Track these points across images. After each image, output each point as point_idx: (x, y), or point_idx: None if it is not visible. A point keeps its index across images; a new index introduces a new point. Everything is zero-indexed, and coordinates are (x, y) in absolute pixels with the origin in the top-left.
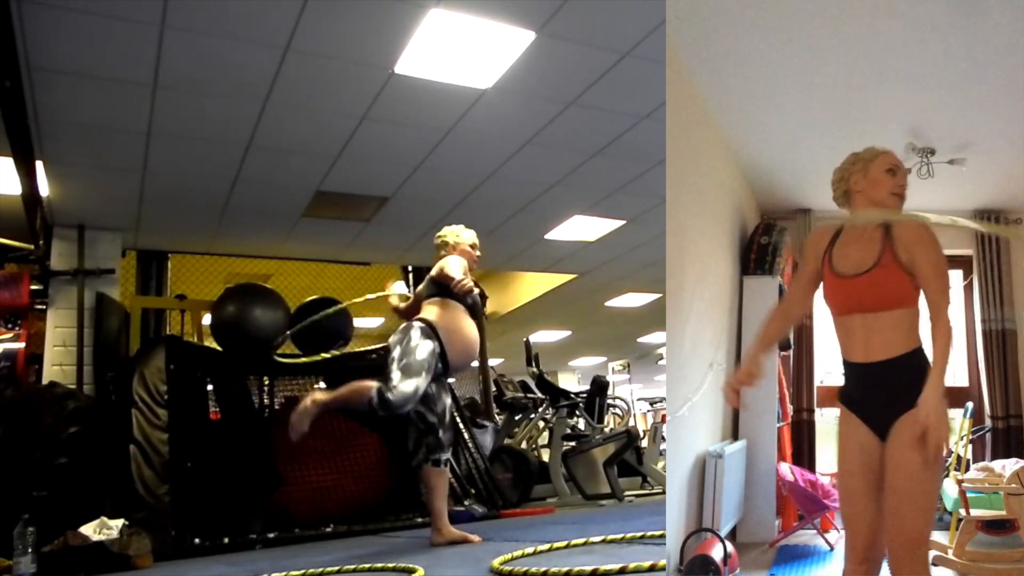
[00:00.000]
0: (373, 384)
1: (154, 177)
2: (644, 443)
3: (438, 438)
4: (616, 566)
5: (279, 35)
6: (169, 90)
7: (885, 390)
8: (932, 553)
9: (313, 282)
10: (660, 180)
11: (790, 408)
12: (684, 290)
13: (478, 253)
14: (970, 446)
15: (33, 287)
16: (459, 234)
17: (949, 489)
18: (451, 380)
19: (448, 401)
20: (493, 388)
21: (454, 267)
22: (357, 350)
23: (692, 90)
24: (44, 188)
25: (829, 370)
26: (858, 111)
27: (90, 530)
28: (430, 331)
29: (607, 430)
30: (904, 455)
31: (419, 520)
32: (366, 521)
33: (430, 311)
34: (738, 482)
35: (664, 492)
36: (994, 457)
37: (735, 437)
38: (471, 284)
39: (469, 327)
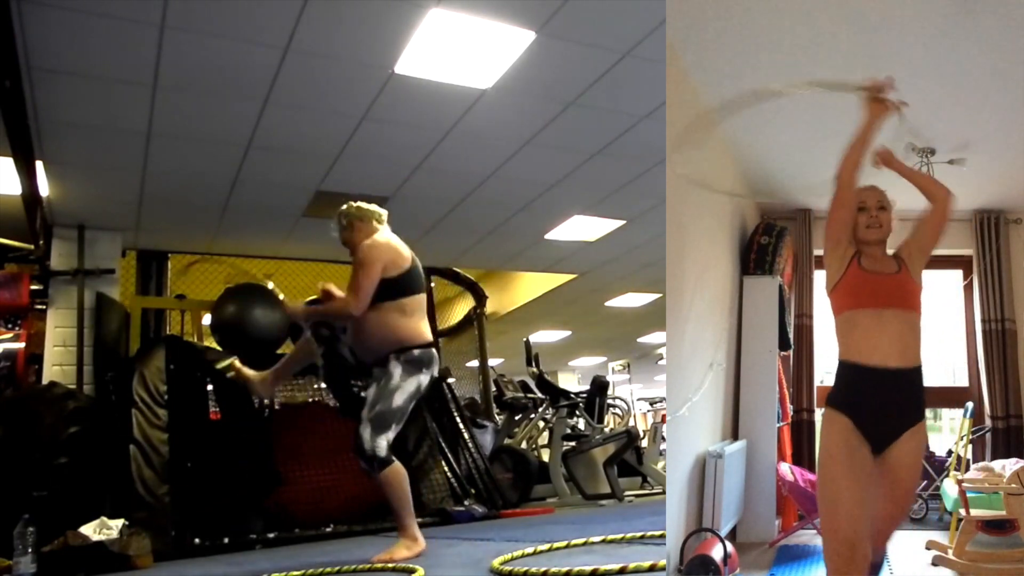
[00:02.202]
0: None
1: (154, 177)
2: (644, 443)
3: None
4: (616, 566)
5: (279, 35)
6: (169, 90)
7: (898, 402)
8: (932, 553)
9: (313, 282)
10: (660, 180)
11: (790, 408)
12: (684, 290)
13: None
14: (970, 446)
15: (33, 287)
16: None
17: (949, 489)
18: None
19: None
20: (493, 388)
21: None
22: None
23: (692, 90)
24: (44, 188)
25: (829, 370)
26: (858, 111)
27: (90, 530)
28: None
29: (607, 430)
30: (906, 471)
31: (419, 520)
32: (366, 521)
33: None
34: (738, 482)
35: (664, 492)
36: (994, 457)
37: (735, 437)
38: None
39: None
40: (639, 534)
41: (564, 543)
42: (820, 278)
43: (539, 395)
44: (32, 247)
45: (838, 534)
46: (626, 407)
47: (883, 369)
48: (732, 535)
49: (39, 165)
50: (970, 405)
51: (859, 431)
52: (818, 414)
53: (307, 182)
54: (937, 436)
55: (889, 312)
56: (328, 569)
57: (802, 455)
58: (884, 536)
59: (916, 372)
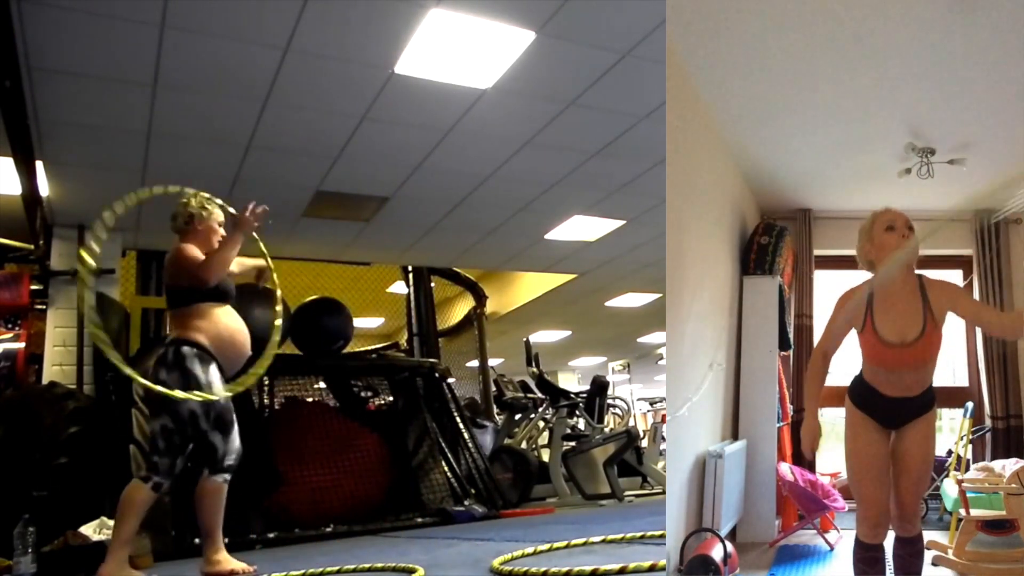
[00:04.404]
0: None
1: (154, 177)
2: (644, 443)
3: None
4: (616, 566)
5: (279, 35)
6: (169, 90)
7: (906, 409)
8: (932, 553)
9: (313, 282)
10: (660, 180)
11: (790, 408)
12: (684, 290)
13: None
14: (970, 446)
15: (33, 287)
16: (208, 203)
17: (949, 489)
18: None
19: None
20: (493, 388)
21: (193, 258)
22: (357, 350)
23: (692, 90)
24: (44, 188)
25: (829, 371)
26: (858, 111)
27: (90, 530)
28: (207, 354)
29: (607, 430)
30: (916, 449)
31: (419, 520)
32: (366, 521)
33: (194, 327)
34: (738, 482)
35: (664, 492)
36: (994, 457)
37: (735, 437)
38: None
39: (238, 330)
40: (639, 534)
41: (564, 543)
42: (820, 278)
43: (539, 395)
44: (32, 247)
45: (867, 520)
46: (626, 407)
47: (898, 398)
48: (732, 535)
49: (39, 165)
50: (970, 405)
51: (871, 418)
52: (818, 414)
53: (307, 182)
54: (937, 436)
55: (906, 371)
56: (328, 569)
57: (802, 455)
58: (910, 506)
59: (926, 393)
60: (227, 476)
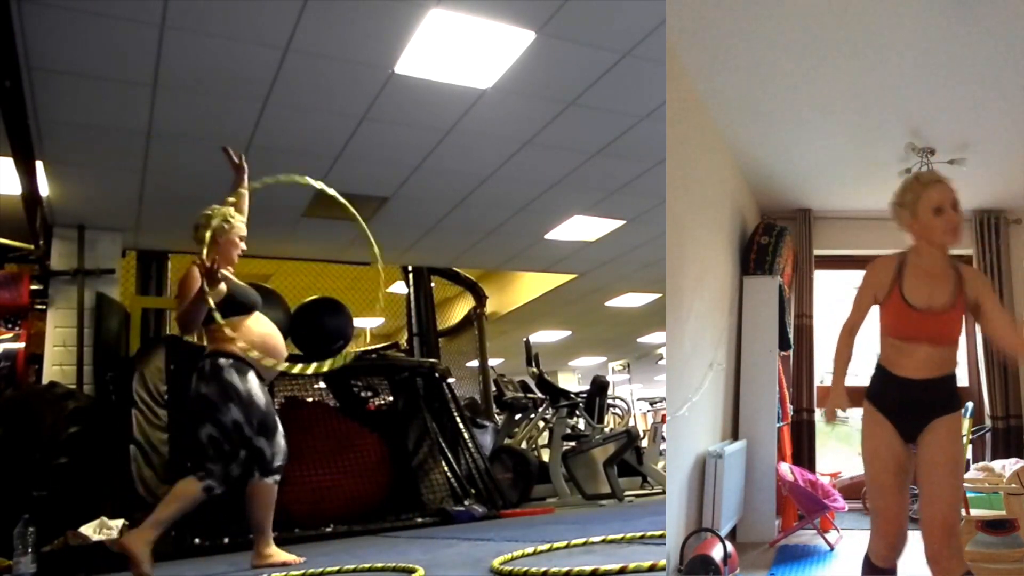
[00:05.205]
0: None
1: (154, 177)
2: (644, 443)
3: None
4: (616, 566)
5: (279, 35)
6: (169, 90)
7: (923, 400)
8: None
9: (313, 282)
10: (660, 180)
11: (790, 408)
12: (684, 290)
13: (244, 247)
14: (970, 446)
15: (33, 287)
16: (231, 217)
17: None
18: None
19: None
20: (493, 388)
21: (185, 295)
22: (356, 350)
23: (692, 90)
24: (44, 188)
25: (829, 370)
26: (858, 111)
27: (90, 530)
28: (243, 364)
29: (607, 430)
30: (939, 452)
31: (419, 520)
32: (366, 521)
33: (227, 338)
34: (738, 482)
35: (664, 492)
36: (994, 457)
37: (735, 437)
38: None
39: (270, 335)
40: (639, 534)
41: (564, 543)
42: (820, 278)
43: (539, 395)
44: (32, 247)
45: (886, 538)
46: (626, 407)
47: (909, 380)
48: (732, 535)
49: (39, 165)
50: (970, 405)
51: (889, 421)
52: (818, 414)
53: None
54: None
55: (924, 346)
56: (328, 569)
57: (802, 455)
58: (941, 535)
59: (944, 379)
60: (277, 476)
